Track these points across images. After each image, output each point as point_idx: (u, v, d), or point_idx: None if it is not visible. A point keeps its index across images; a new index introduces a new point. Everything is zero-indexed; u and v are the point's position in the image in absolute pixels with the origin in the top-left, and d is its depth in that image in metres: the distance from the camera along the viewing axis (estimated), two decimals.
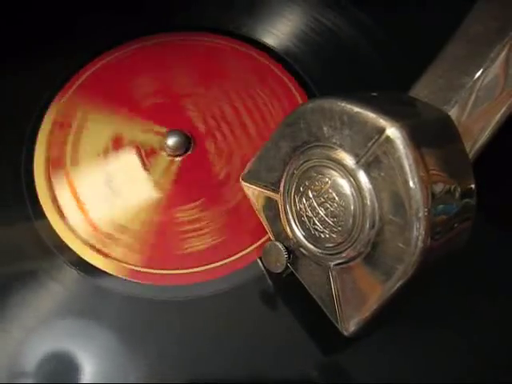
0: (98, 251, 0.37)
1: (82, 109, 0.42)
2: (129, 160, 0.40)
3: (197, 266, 0.37)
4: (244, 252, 0.38)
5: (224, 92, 0.43)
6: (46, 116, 0.42)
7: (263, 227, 0.35)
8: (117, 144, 0.41)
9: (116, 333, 0.35)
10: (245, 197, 0.37)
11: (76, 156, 0.40)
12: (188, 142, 0.40)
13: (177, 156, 0.40)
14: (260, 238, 0.38)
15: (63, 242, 0.37)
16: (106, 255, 0.37)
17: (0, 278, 0.37)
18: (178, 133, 0.40)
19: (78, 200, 0.39)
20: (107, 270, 0.37)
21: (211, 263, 0.37)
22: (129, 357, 0.34)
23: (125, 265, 0.37)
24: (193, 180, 0.40)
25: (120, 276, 0.37)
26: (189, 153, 0.40)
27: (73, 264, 0.37)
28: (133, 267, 0.37)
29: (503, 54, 0.33)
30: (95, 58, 0.44)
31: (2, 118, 0.42)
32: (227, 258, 0.37)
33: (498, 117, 0.33)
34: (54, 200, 0.39)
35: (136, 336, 0.35)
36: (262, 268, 0.37)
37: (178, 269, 0.37)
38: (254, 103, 0.43)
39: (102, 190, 0.39)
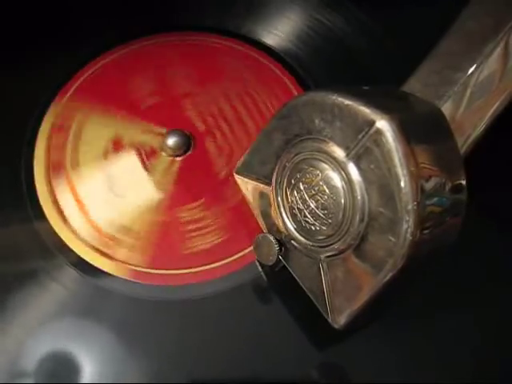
0: (101, 253, 0.37)
1: (81, 111, 0.42)
2: (129, 161, 0.40)
3: (203, 265, 0.37)
4: (243, 252, 0.38)
5: (223, 91, 0.43)
6: (45, 118, 0.42)
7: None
8: (117, 146, 0.41)
9: (116, 333, 0.35)
10: None
11: (76, 159, 0.40)
12: (188, 142, 0.40)
13: (177, 156, 0.40)
14: None
15: (63, 242, 0.38)
16: (109, 257, 0.37)
17: (0, 279, 0.37)
18: (178, 132, 0.40)
19: (79, 202, 0.39)
20: (110, 272, 0.37)
21: (217, 261, 0.37)
22: (129, 357, 0.35)
23: (128, 266, 0.37)
24: (194, 179, 0.40)
25: (122, 277, 0.37)
26: (189, 152, 0.40)
27: (73, 264, 0.37)
28: (136, 268, 0.37)
29: (498, 50, 0.32)
30: (95, 58, 0.44)
31: (1, 117, 0.42)
32: (227, 257, 0.37)
33: (491, 112, 0.33)
34: (55, 203, 0.39)
35: (136, 336, 0.35)
36: (260, 268, 0.37)
37: (183, 268, 0.37)
38: (254, 102, 0.43)
39: (104, 192, 0.39)
